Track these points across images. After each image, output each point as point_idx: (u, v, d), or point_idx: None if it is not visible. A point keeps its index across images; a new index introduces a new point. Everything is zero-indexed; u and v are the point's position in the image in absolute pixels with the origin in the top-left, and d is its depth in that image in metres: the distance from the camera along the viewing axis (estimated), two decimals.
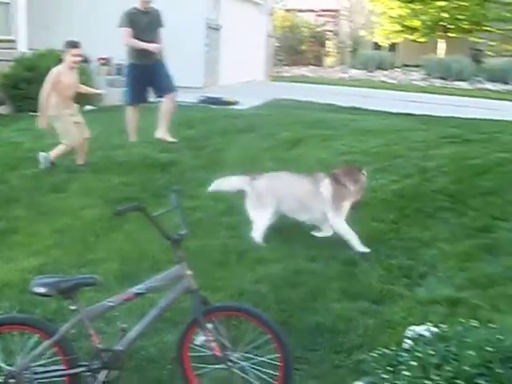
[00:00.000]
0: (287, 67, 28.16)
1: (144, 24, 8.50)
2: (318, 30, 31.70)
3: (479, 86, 25.03)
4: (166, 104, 8.80)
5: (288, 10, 33.61)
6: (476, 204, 6.42)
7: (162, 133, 8.75)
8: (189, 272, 3.13)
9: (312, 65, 29.24)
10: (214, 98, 13.91)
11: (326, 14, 33.75)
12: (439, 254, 5.23)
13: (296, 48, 29.50)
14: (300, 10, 33.50)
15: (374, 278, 4.71)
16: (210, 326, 3.11)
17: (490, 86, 25.14)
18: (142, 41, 8.41)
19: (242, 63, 19.23)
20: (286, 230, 5.61)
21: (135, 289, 3.17)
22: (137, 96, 8.79)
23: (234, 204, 6.12)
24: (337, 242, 5.34)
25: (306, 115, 10.72)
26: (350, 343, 3.79)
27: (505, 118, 13.96)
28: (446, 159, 8.30)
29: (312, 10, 33.34)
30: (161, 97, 8.89)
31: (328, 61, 30.67)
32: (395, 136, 9.51)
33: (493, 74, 26.24)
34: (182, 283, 3.14)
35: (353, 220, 5.53)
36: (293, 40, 29.42)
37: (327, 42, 32.11)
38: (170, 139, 8.71)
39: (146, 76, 8.60)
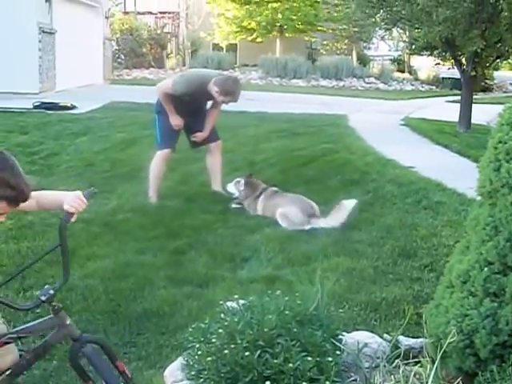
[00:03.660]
0: (128, 70, 28.02)
1: None
2: (158, 32, 31.76)
3: (314, 83, 26.28)
4: None
5: (126, 13, 33.43)
6: (299, 191, 6.89)
7: None
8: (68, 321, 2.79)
9: (153, 67, 29.27)
10: (49, 103, 13.70)
11: (165, 16, 33.90)
12: (262, 239, 5.63)
13: (136, 51, 29.38)
14: (139, 13, 33.42)
15: (200, 264, 5.02)
16: None
17: (324, 82, 26.49)
18: None
19: (79, 67, 18.99)
20: (118, 226, 5.80)
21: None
22: None
23: None
24: (166, 233, 5.62)
25: (142, 116, 10.87)
26: (174, 324, 4.05)
27: (335, 112, 14.89)
28: (274, 152, 8.81)
29: (151, 13, 33.36)
30: None
31: (169, 62, 30.84)
32: (227, 133, 9.91)
33: (327, 71, 27.64)
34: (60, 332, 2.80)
35: (183, 213, 5.83)
36: (132, 43, 29.27)
37: (168, 43, 32.27)
38: None
39: None
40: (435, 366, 2.79)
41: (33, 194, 2.64)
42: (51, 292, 2.66)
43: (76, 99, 14.45)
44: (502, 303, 2.90)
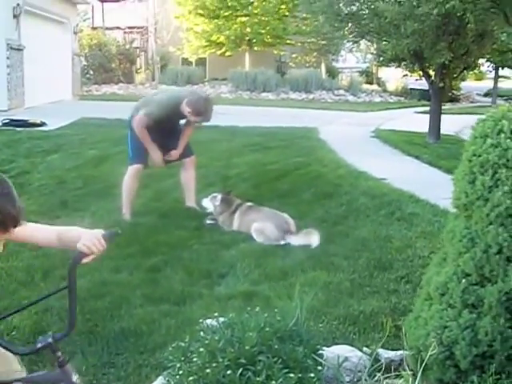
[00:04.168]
0: (97, 85, 27.90)
1: None
2: (127, 47, 31.72)
3: (284, 96, 26.42)
4: None
5: (95, 28, 33.35)
6: (272, 205, 6.87)
7: None
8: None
9: (122, 82, 29.19)
10: (19, 120, 13.57)
11: (133, 31, 33.89)
12: (238, 254, 5.62)
13: (105, 66, 29.28)
14: (107, 28, 33.35)
15: (176, 281, 4.99)
16: None
17: (293, 95, 26.65)
18: None
19: (48, 83, 18.86)
20: None
21: None
22: None
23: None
24: (141, 251, 5.59)
25: (113, 132, 10.84)
26: (153, 343, 4.01)
27: (305, 125, 14.98)
28: (247, 166, 8.82)
29: (119, 28, 33.32)
30: None
31: (139, 77, 30.79)
32: (200, 148, 9.90)
33: (296, 84, 27.82)
34: None
35: (157, 229, 5.81)
36: (101, 58, 29.17)
37: (137, 58, 32.24)
38: None
39: None
40: (417, 380, 2.81)
41: (53, 228, 2.50)
42: (49, 340, 2.34)
43: (45, 116, 14.33)
44: (481, 314, 2.93)
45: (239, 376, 2.89)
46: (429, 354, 2.87)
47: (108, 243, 2.39)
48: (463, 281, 2.99)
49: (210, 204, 6.66)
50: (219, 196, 6.63)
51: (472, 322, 2.93)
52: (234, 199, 6.66)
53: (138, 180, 6.81)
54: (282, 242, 5.99)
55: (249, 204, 6.61)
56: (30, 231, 2.50)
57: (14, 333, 4.09)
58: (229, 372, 2.90)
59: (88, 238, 2.35)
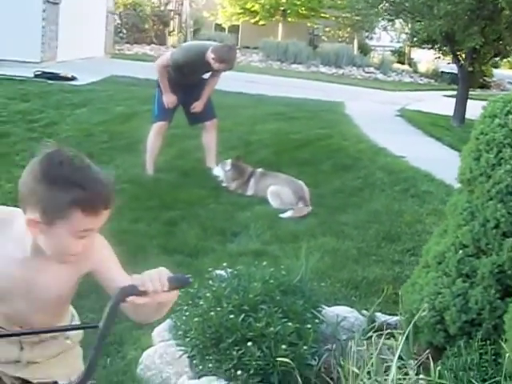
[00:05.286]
0: (129, 45, 28.01)
1: None
2: (161, 9, 31.71)
3: (314, 69, 26.35)
4: None
5: None
6: (291, 173, 7.01)
7: None
8: None
9: (154, 44, 29.26)
10: (50, 73, 13.77)
11: None
12: (252, 216, 5.83)
13: (138, 26, 29.33)
14: None
15: (191, 235, 5.21)
16: None
17: (323, 69, 26.55)
18: None
19: (81, 39, 19.00)
20: (116, 195, 5.97)
21: None
22: None
23: None
24: (160, 205, 5.81)
25: (142, 91, 11.01)
26: None
27: (331, 99, 15.04)
28: (270, 134, 8.99)
29: None
30: None
31: (171, 40, 30.83)
32: (225, 112, 10.07)
33: (327, 58, 27.69)
34: None
35: (178, 186, 6.03)
36: (135, 18, 29.22)
37: (170, 21, 32.25)
38: None
39: None
40: (404, 337, 2.99)
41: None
42: None
43: (77, 71, 14.51)
44: (473, 284, 3.10)
45: (241, 321, 3.10)
46: (418, 315, 3.05)
47: (172, 288, 1.73)
48: (460, 251, 3.16)
49: (221, 172, 6.74)
50: (228, 161, 6.73)
51: (464, 291, 3.10)
52: (244, 166, 6.74)
53: (162, 137, 6.99)
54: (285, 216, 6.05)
55: (260, 170, 6.75)
56: (111, 274, 2.00)
57: None
58: (232, 317, 3.11)
59: (147, 273, 1.73)
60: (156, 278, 1.69)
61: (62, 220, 1.74)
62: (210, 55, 6.51)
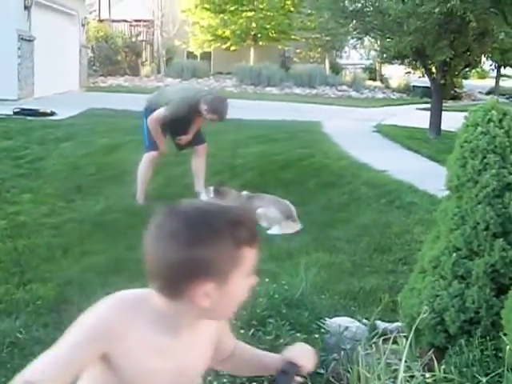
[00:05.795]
0: (103, 77, 28.17)
1: None
2: (133, 40, 31.98)
3: (288, 90, 26.68)
4: None
5: (101, 21, 33.54)
6: (277, 193, 7.15)
7: None
8: None
9: (128, 75, 29.45)
10: (29, 109, 13.86)
11: (139, 24, 34.10)
12: None
13: (111, 58, 29.53)
14: (113, 21, 33.58)
15: None
16: None
17: (297, 90, 26.90)
18: None
19: (56, 74, 19.16)
20: (109, 225, 6.09)
21: None
22: None
23: (54, 207, 6.56)
24: None
25: (122, 123, 11.17)
26: None
27: (307, 119, 15.29)
28: (253, 156, 9.15)
29: (125, 21, 33.53)
30: None
31: (144, 70, 31.05)
32: (207, 138, 10.22)
33: (300, 79, 28.06)
34: None
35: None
36: (108, 50, 29.43)
37: (142, 51, 32.49)
38: None
39: None
40: (409, 340, 3.13)
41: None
42: None
43: (54, 106, 14.61)
44: (469, 284, 3.26)
45: (251, 335, 3.22)
46: (420, 317, 3.19)
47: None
48: (454, 254, 3.32)
49: (206, 198, 6.84)
50: (211, 188, 6.83)
51: (461, 292, 3.25)
52: (228, 191, 6.79)
53: (153, 166, 7.13)
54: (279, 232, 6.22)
55: (246, 193, 6.85)
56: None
57: (39, 302, 4.42)
58: (242, 331, 3.23)
59: (299, 349, 1.79)
60: (311, 356, 1.76)
61: (237, 268, 1.54)
62: (202, 106, 6.71)
